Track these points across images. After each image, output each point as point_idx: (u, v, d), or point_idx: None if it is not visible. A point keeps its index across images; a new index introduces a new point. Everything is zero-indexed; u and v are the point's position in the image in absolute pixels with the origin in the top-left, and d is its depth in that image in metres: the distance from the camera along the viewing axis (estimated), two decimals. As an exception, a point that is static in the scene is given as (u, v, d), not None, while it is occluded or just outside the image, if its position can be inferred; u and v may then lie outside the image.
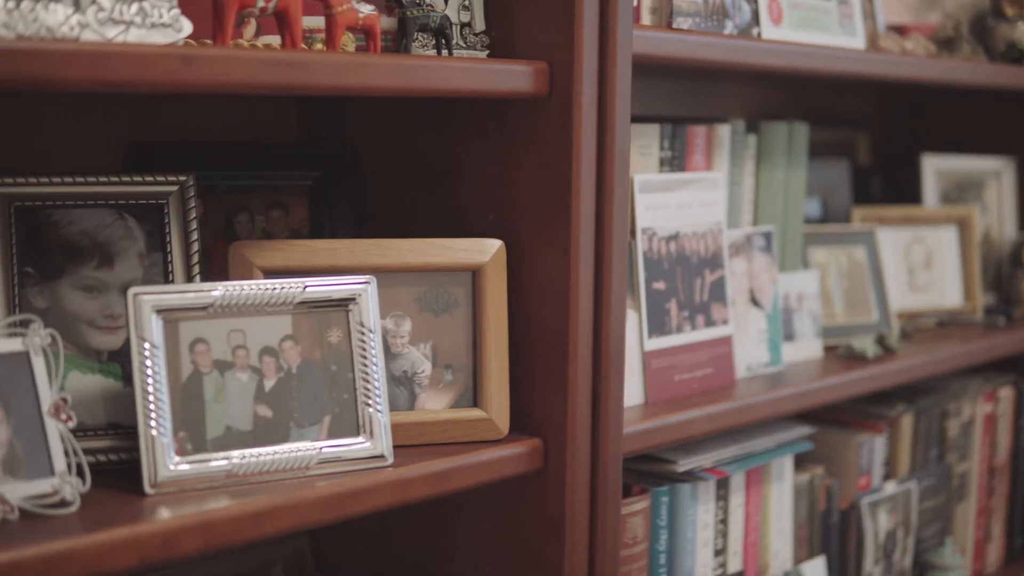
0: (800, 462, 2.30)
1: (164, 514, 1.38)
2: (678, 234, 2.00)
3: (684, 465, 2.03)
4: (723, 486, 2.11)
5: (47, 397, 1.38)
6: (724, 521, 2.12)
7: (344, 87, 1.48)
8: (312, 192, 1.86)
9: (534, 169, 1.70)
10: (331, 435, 1.54)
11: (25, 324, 1.39)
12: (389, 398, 1.59)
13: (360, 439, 1.55)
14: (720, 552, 2.13)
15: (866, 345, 2.35)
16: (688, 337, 2.02)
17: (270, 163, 1.87)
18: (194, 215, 1.61)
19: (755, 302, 2.19)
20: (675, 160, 2.04)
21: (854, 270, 2.51)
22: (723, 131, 2.15)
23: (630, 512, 1.94)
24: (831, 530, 2.38)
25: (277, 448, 1.50)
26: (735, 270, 2.16)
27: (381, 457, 1.56)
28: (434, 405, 1.68)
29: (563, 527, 1.71)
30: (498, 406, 1.68)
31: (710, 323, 2.06)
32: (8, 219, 1.53)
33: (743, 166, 2.21)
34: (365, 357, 1.56)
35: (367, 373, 1.56)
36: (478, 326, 1.69)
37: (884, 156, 3.02)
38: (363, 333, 1.56)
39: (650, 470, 2.04)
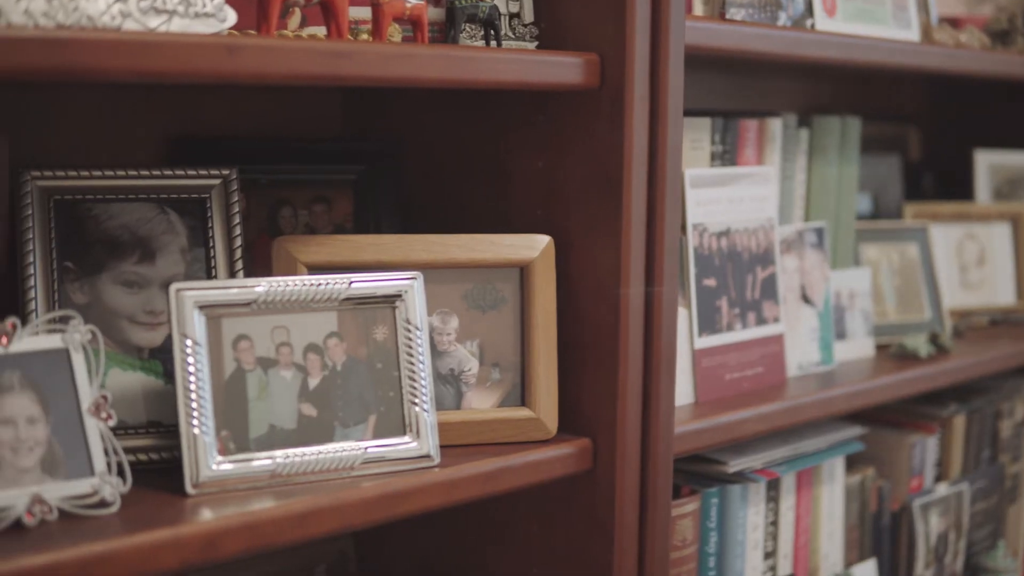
0: (851, 463, 2.27)
1: (206, 515, 1.35)
2: (729, 230, 1.96)
3: (735, 466, 1.99)
4: (774, 487, 2.08)
5: (87, 395, 1.35)
6: (774, 523, 2.09)
7: (391, 78, 1.45)
8: (356, 186, 1.83)
9: (584, 163, 1.67)
10: (376, 434, 1.51)
11: (65, 320, 1.37)
12: (435, 397, 1.56)
13: (406, 439, 1.52)
14: (770, 555, 2.09)
15: (919, 344, 2.31)
16: (739, 335, 1.98)
17: (313, 157, 1.84)
18: (237, 209, 1.59)
19: (806, 300, 2.16)
20: (726, 154, 2.01)
21: (906, 267, 2.47)
22: (775, 125, 2.11)
23: (680, 514, 1.90)
24: (882, 532, 2.34)
25: (321, 448, 1.47)
26: (786, 267, 2.12)
27: (427, 457, 1.53)
28: (481, 404, 1.65)
29: (612, 529, 1.68)
30: (546, 405, 1.65)
31: (761, 321, 2.02)
32: (48, 213, 1.51)
33: (795, 161, 2.17)
34: (411, 355, 1.53)
35: (413, 371, 1.53)
36: (526, 323, 1.65)
37: (935, 151, 2.97)
38: (409, 330, 1.53)
39: (699, 471, 2.01)
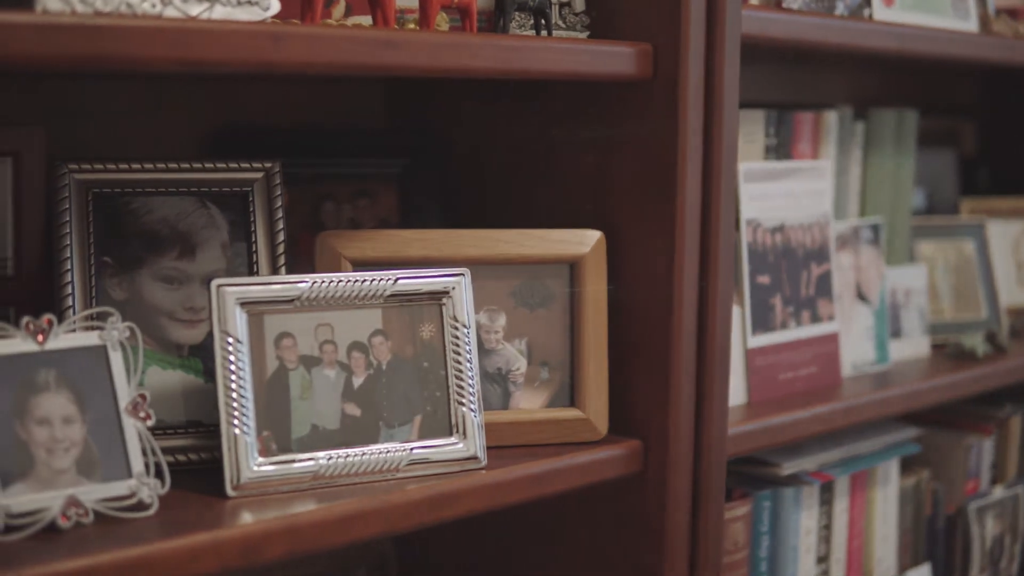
0: (905, 465, 2.23)
1: (246, 518, 1.32)
2: (783, 225, 1.92)
3: (788, 468, 1.95)
4: (827, 490, 2.04)
5: (125, 394, 1.32)
6: (828, 527, 2.05)
7: (440, 68, 1.41)
8: (400, 180, 1.81)
9: (636, 156, 1.63)
10: (422, 435, 1.48)
11: (102, 317, 1.33)
12: (482, 396, 1.52)
13: (452, 440, 1.49)
14: (823, 559, 2.05)
15: (976, 343, 2.26)
16: (793, 334, 1.94)
17: (357, 150, 1.82)
18: (280, 203, 1.55)
19: (862, 297, 2.11)
20: (780, 148, 1.97)
21: (962, 264, 2.42)
22: (830, 118, 2.07)
23: (731, 517, 1.86)
24: (937, 536, 2.30)
25: (365, 449, 1.44)
26: (841, 264, 2.07)
27: (474, 459, 1.49)
28: (529, 404, 1.61)
29: (662, 534, 1.65)
30: (596, 406, 1.61)
31: (816, 319, 1.98)
32: (86, 207, 1.47)
33: (850, 154, 2.14)
34: (459, 353, 1.50)
35: (460, 370, 1.49)
36: (576, 321, 1.61)
37: (990, 145, 2.91)
38: (457, 328, 1.50)
39: (750, 473, 1.97)
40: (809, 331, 1.97)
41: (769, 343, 1.90)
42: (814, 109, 2.05)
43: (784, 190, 1.93)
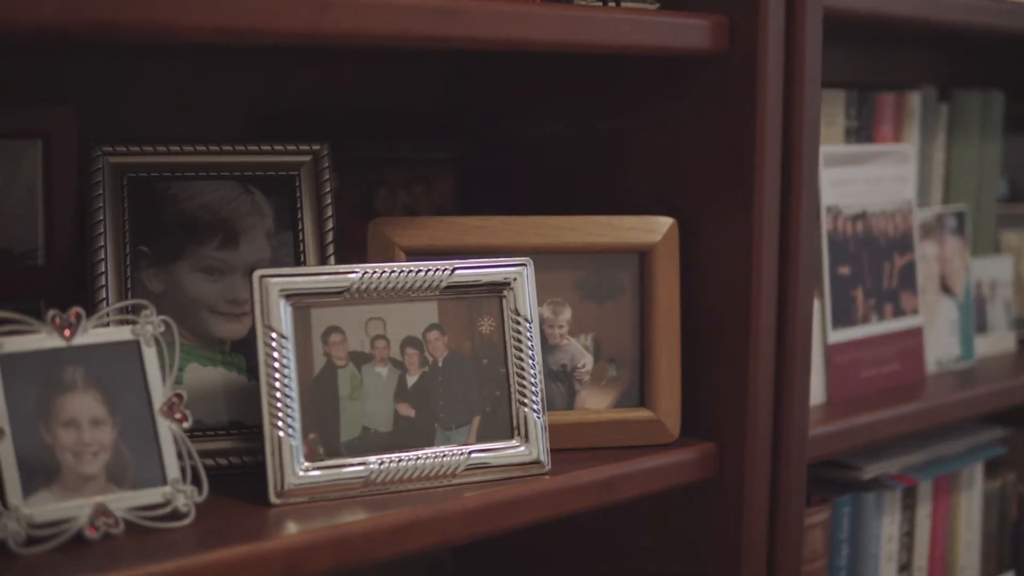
0: (990, 468, 2.14)
1: (291, 528, 1.24)
2: (865, 213, 1.83)
3: (870, 471, 1.85)
4: (910, 495, 1.95)
5: (159, 393, 1.24)
6: (910, 534, 1.96)
7: (502, 40, 1.32)
8: (458, 165, 1.74)
9: (709, 138, 1.55)
10: (481, 438, 1.40)
11: (136, 310, 1.26)
12: (546, 396, 1.44)
13: (514, 443, 1.41)
14: (904, 568, 1.96)
15: (1065, 338, 2.17)
16: (875, 328, 1.85)
17: (413, 133, 1.76)
18: (329, 189, 1.48)
19: (946, 290, 2.03)
20: (862, 130, 1.89)
21: (1050, 256, 2.31)
22: (914, 99, 1.99)
23: (809, 524, 1.77)
24: (1022, 542, 2.21)
25: (420, 453, 1.36)
26: (925, 254, 1.98)
27: (537, 463, 1.41)
28: (595, 404, 1.53)
29: (739, 543, 1.56)
30: (668, 406, 1.53)
31: (898, 313, 1.89)
32: (120, 192, 1.40)
33: (934, 139, 2.05)
34: (520, 349, 1.42)
35: (523, 368, 1.42)
36: (646, 315, 1.53)
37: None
38: (518, 322, 1.42)
39: (827, 476, 1.87)
40: (892, 326, 1.88)
41: (850, 338, 1.81)
42: (897, 90, 1.96)
43: (866, 175, 1.84)
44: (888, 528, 1.91)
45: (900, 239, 1.89)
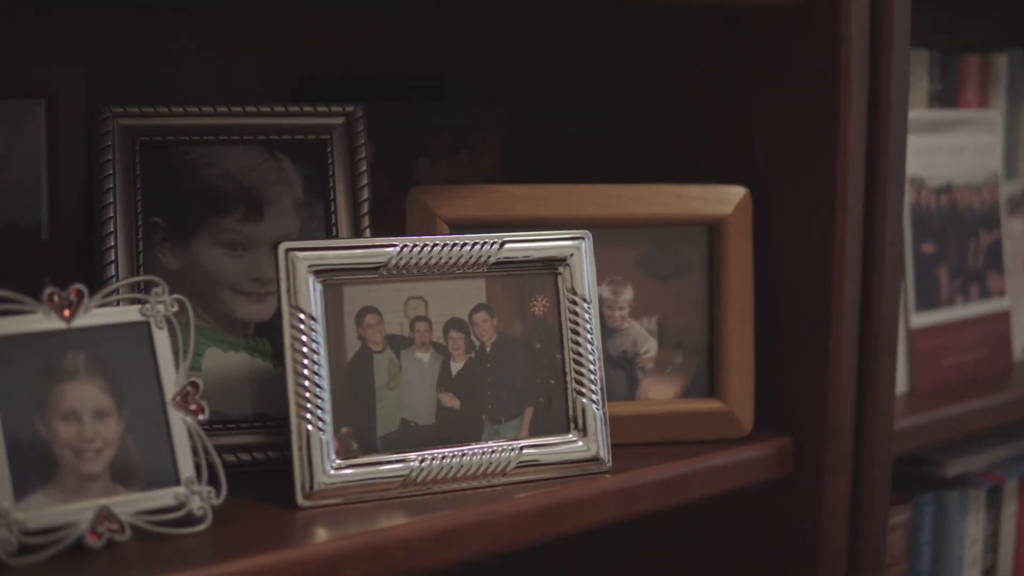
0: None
1: (320, 535, 1.13)
2: (950, 185, 1.73)
3: (955, 468, 1.76)
4: (995, 493, 1.85)
5: (172, 382, 1.14)
6: (994, 535, 1.86)
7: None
8: (507, 132, 1.66)
9: (787, 99, 1.44)
10: (533, 432, 1.30)
11: (147, 288, 1.15)
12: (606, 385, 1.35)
13: (570, 437, 1.31)
14: (988, 572, 1.87)
15: None
16: (960, 312, 1.77)
17: (456, 97, 1.68)
18: (363, 154, 1.38)
19: (1034, 270, 1.93)
20: (946, 95, 1.80)
21: None
22: (1000, 61, 1.90)
23: (890, 526, 1.65)
24: (1113, 544, 2.08)
25: (466, 448, 1.26)
26: (1012, 231, 1.89)
27: (597, 460, 1.30)
28: (660, 394, 1.42)
29: (816, 547, 1.46)
30: (740, 396, 1.42)
31: (985, 295, 1.82)
32: (133, 158, 1.30)
33: (1020, 105, 1.95)
34: (578, 333, 1.31)
35: (580, 354, 1.31)
36: (716, 295, 1.42)
37: None
38: (575, 303, 1.31)
39: (907, 473, 1.77)
40: (977, 309, 1.80)
41: (934, 322, 1.73)
42: (982, 52, 1.87)
43: (950, 144, 1.75)
44: (972, 529, 1.81)
45: (986, 214, 1.80)
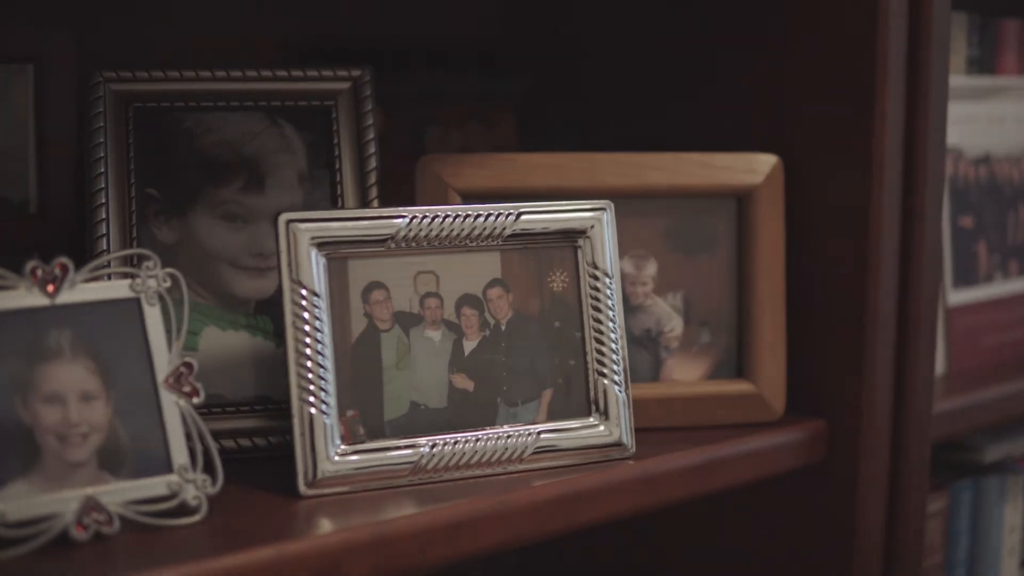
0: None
1: (324, 526, 1.08)
2: (988, 156, 1.69)
3: (993, 454, 1.71)
4: None
5: (164, 362, 1.08)
6: None
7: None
8: (521, 101, 1.64)
9: (819, 61, 1.39)
10: (552, 415, 1.25)
11: (138, 262, 1.09)
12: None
13: (591, 420, 1.25)
14: None
15: None
16: (999, 289, 1.73)
17: (468, 65, 1.65)
18: (371, 121, 1.33)
19: (1075, 246, 1.86)
20: (984, 60, 1.74)
21: None
22: None
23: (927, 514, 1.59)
24: None
25: (480, 433, 1.21)
26: None
27: (620, 446, 1.25)
28: (686, 375, 1.37)
29: (851, 536, 1.41)
30: (771, 377, 1.36)
31: None
32: (125, 125, 1.26)
33: None
34: (599, 311, 1.26)
35: (601, 332, 1.26)
36: (745, 271, 1.37)
37: None
38: (596, 278, 1.26)
39: (943, 459, 1.72)
40: (1017, 286, 1.75)
41: (973, 300, 1.68)
42: (1022, 15, 1.80)
43: (988, 113, 1.71)
44: (1011, 517, 1.76)
45: (1025, 187, 1.75)
